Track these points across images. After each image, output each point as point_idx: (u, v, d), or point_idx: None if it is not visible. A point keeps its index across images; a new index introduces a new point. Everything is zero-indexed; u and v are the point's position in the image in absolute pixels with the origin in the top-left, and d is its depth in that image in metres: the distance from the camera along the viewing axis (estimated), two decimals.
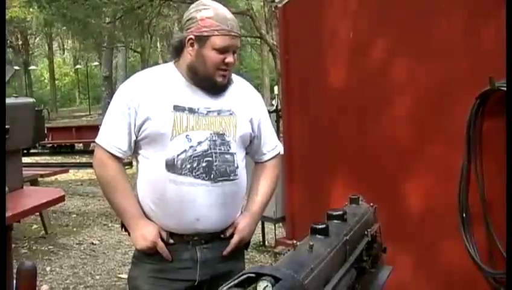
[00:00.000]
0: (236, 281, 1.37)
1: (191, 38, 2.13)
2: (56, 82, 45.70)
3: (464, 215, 3.39)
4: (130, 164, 8.39)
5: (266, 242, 6.15)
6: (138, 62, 35.22)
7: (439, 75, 3.58)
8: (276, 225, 5.97)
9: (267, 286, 1.34)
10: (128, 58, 33.65)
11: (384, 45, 3.96)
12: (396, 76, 3.87)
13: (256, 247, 5.97)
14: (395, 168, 3.95)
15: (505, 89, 3.02)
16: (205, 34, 2.10)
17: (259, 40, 23.43)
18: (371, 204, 2.34)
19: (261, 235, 6.08)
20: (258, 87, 31.90)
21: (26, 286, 1.01)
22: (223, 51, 2.11)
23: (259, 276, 1.38)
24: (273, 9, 14.51)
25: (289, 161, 5.02)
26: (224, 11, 2.16)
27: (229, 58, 2.13)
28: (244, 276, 1.38)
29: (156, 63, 33.34)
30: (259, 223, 5.97)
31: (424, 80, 3.68)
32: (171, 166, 2.09)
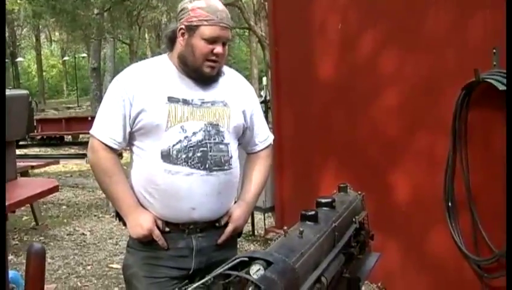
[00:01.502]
0: (230, 265, 1.43)
1: (182, 28, 2.17)
2: (44, 74, 45.41)
3: (450, 204, 3.48)
4: (121, 155, 8.42)
5: (256, 232, 6.22)
6: (126, 53, 35.07)
7: (426, 68, 3.65)
8: (266, 215, 6.03)
9: (259, 269, 1.40)
10: (117, 50, 33.44)
11: (373, 38, 4.03)
12: (385, 68, 3.95)
13: (245, 236, 6.03)
14: (384, 158, 4.03)
15: (489, 80, 3.09)
16: (194, 23, 2.13)
17: (247, 31, 23.43)
18: (359, 192, 2.40)
19: (250, 224, 6.14)
20: (247, 78, 31.75)
21: (36, 266, 1.06)
22: (211, 41, 2.13)
23: (252, 260, 1.45)
24: (262, 0, 14.51)
25: (279, 151, 5.09)
26: (216, 3, 2.18)
27: (218, 49, 2.14)
28: (238, 260, 1.44)
29: (144, 54, 33.18)
30: None
31: (411, 73, 3.75)
32: (166, 156, 2.13)
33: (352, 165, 4.25)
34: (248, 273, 1.40)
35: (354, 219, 2.17)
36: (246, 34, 28.72)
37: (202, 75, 2.18)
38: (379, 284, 4.13)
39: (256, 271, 1.40)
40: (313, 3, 4.60)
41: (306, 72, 4.70)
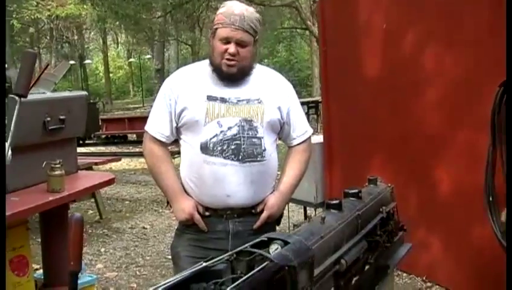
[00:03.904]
0: (252, 244, 1.61)
1: (211, 33, 2.44)
2: (110, 75, 46.60)
3: (490, 198, 3.52)
4: (179, 153, 8.72)
5: None
6: (190, 54, 35.65)
7: (466, 64, 3.72)
8: (317, 210, 6.15)
9: (277, 248, 1.57)
10: (180, 51, 34.15)
11: (415, 35, 4.12)
12: (427, 65, 4.03)
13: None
14: (426, 153, 4.12)
15: None
16: (215, 27, 2.39)
17: (307, 31, 23.46)
18: (389, 184, 2.52)
19: (303, 217, 6.28)
20: (308, 77, 31.88)
21: (76, 231, 1.30)
22: (225, 41, 2.35)
23: (272, 240, 1.62)
24: (312, 3, 14.51)
25: (328, 147, 5.22)
26: (234, 8, 2.38)
27: (231, 49, 2.34)
28: (259, 240, 1.62)
29: (207, 55, 33.57)
30: (302, 208, 6.18)
31: (452, 69, 3.82)
32: (204, 148, 2.37)
33: (398, 160, 4.35)
34: (268, 251, 1.58)
35: (381, 209, 2.29)
36: (307, 34, 28.75)
37: (222, 73, 2.39)
38: (424, 278, 4.21)
39: (274, 250, 1.57)
40: (358, 4, 4.73)
41: (352, 69, 4.82)
